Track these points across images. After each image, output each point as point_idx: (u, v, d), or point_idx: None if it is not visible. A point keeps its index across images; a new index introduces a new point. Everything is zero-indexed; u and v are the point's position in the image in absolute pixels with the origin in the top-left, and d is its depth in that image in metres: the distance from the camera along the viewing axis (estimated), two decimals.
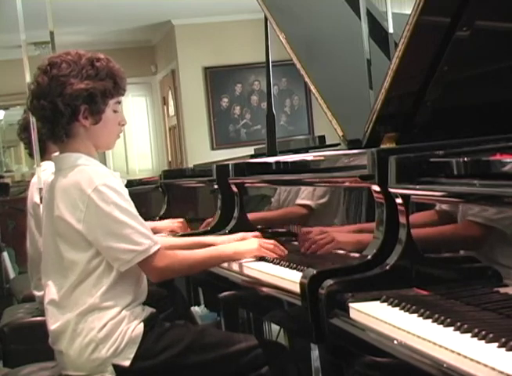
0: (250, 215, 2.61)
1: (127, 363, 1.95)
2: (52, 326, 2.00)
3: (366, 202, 1.87)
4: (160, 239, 2.34)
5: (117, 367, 1.94)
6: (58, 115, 1.97)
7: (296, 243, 2.26)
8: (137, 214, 1.97)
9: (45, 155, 3.17)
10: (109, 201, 1.91)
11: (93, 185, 1.91)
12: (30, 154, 3.32)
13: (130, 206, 1.95)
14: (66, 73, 1.97)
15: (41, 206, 2.90)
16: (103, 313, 1.95)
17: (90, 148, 2.04)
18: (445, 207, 1.59)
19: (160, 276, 2.03)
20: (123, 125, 2.11)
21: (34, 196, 3.16)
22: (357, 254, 1.82)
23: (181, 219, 3.23)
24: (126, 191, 2.03)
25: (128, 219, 1.92)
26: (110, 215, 1.91)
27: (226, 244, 2.27)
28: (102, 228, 1.91)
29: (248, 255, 2.18)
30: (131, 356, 1.95)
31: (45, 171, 3.08)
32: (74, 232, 1.93)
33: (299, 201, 2.30)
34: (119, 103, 2.07)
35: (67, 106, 1.96)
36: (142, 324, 1.99)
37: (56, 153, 2.09)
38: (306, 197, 2.26)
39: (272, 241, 2.22)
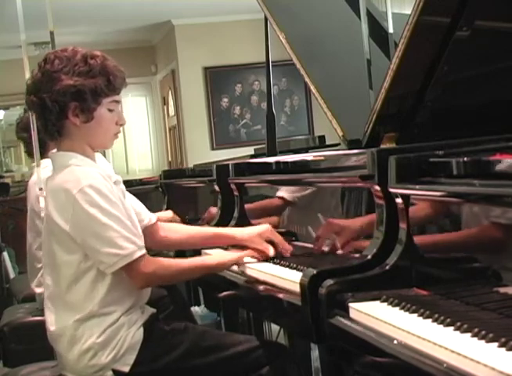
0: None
1: (126, 368, 1.94)
2: (51, 327, 2.00)
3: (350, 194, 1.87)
4: (179, 226, 2.38)
5: (116, 372, 1.93)
6: (46, 111, 1.95)
7: (296, 243, 2.27)
8: (123, 217, 1.92)
9: (44, 153, 3.18)
10: (94, 203, 1.88)
11: (79, 186, 1.89)
12: (29, 153, 3.33)
13: (116, 209, 1.91)
14: (58, 69, 1.94)
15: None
16: (102, 319, 1.94)
17: (84, 147, 2.01)
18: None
19: (143, 283, 1.98)
20: (121, 125, 2.06)
21: (33, 193, 3.18)
22: (357, 254, 1.82)
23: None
24: (119, 191, 2.01)
25: (112, 223, 1.88)
26: (94, 217, 1.87)
27: (243, 237, 2.21)
28: (86, 230, 1.89)
29: (231, 263, 2.14)
30: (131, 361, 1.94)
31: (45, 168, 3.09)
32: (63, 233, 1.92)
33: (277, 194, 2.36)
34: (116, 101, 2.03)
35: (55, 102, 1.93)
36: (141, 329, 1.98)
37: (54, 150, 2.07)
38: (283, 189, 2.31)
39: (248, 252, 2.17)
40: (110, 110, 2.01)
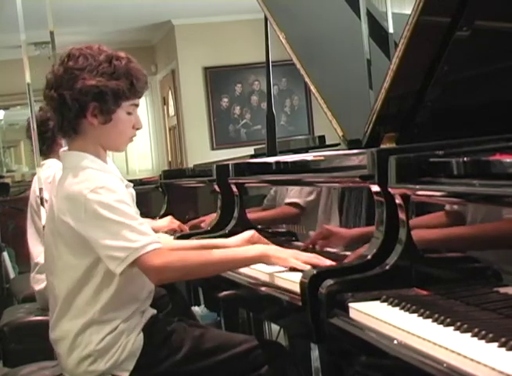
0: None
1: (126, 374, 1.93)
2: (52, 329, 2.00)
3: (350, 196, 1.87)
4: (164, 239, 2.29)
5: None
6: (65, 109, 1.92)
7: (296, 243, 2.27)
8: (136, 216, 1.90)
9: (52, 152, 3.17)
10: (106, 204, 1.85)
11: (92, 187, 1.86)
12: (40, 150, 3.32)
13: (128, 209, 1.88)
14: (82, 66, 1.92)
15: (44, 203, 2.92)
16: (102, 327, 1.92)
17: (97, 148, 1.99)
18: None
19: (159, 276, 1.88)
20: (138, 129, 2.03)
21: (36, 191, 3.18)
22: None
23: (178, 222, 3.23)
24: (129, 195, 1.99)
25: (125, 220, 1.84)
26: (107, 217, 1.84)
27: (236, 245, 2.12)
28: (98, 230, 1.85)
29: (274, 261, 1.95)
30: (131, 367, 1.93)
31: (50, 168, 3.09)
32: (73, 235, 1.89)
33: (287, 200, 2.32)
34: (136, 105, 2.00)
35: (75, 101, 1.91)
36: (141, 334, 1.96)
37: (65, 148, 2.04)
38: (294, 195, 2.28)
39: (310, 256, 1.94)
40: (129, 114, 1.99)
